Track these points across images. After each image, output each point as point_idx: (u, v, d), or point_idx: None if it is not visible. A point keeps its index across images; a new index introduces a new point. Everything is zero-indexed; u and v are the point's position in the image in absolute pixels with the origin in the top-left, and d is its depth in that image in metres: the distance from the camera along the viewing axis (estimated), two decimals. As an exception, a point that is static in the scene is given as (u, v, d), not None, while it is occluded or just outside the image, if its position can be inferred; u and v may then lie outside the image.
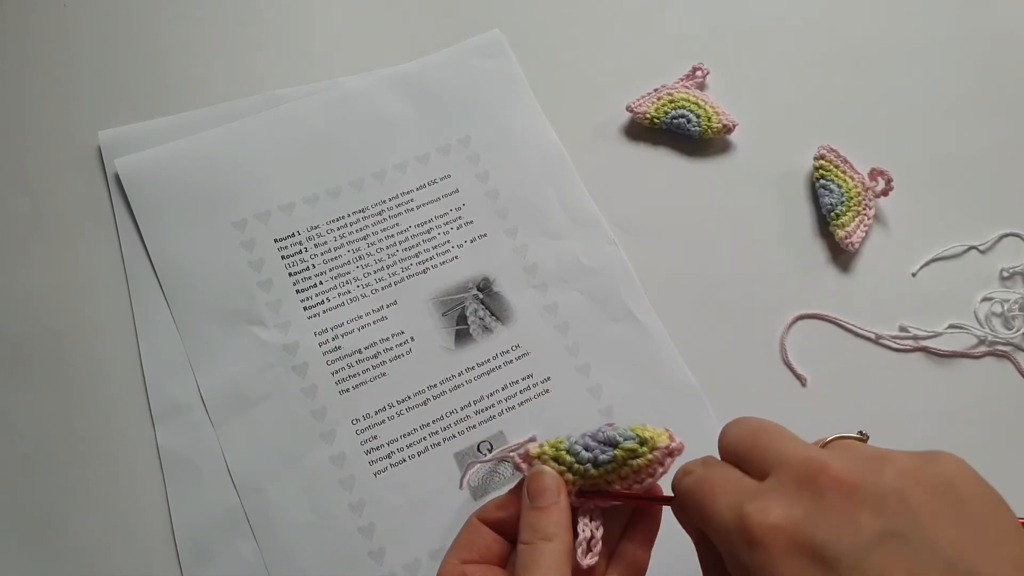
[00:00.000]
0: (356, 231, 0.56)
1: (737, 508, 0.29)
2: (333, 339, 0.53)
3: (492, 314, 0.54)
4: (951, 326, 0.54)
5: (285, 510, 0.48)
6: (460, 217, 0.57)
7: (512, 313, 0.54)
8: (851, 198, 0.56)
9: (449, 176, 0.58)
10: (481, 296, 0.54)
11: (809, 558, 0.26)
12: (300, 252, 0.55)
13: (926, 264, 0.56)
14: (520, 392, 0.52)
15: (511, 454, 0.38)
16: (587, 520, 0.36)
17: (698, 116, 0.59)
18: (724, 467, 0.32)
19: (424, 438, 0.50)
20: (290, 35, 0.63)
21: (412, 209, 0.57)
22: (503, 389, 0.52)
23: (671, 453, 0.35)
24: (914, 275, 0.56)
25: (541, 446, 0.37)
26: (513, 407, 0.51)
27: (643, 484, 0.35)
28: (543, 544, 0.33)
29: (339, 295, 0.54)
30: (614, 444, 0.36)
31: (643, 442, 0.35)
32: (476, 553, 0.36)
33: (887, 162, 0.57)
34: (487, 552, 0.36)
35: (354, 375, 0.52)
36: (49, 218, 0.56)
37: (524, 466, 0.37)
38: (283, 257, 0.55)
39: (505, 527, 0.37)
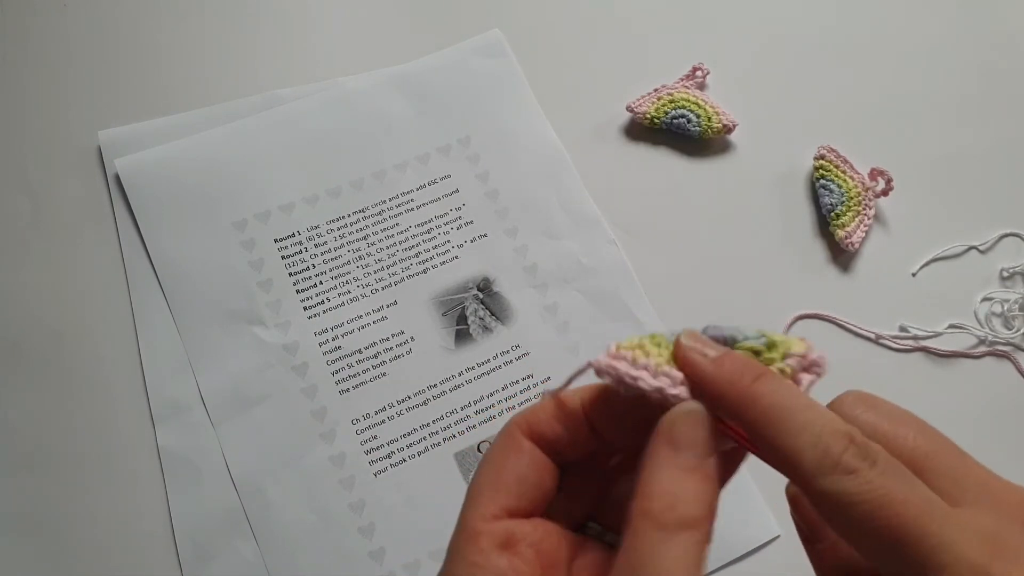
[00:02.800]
0: (356, 231, 0.56)
1: (977, 566, 0.20)
2: (333, 339, 0.53)
3: (492, 314, 0.54)
4: (951, 326, 0.54)
5: (285, 510, 0.48)
6: (460, 217, 0.57)
7: (512, 313, 0.54)
8: (851, 198, 0.56)
9: (449, 176, 0.58)
10: (481, 296, 0.54)
11: None
12: (300, 252, 0.55)
13: (926, 264, 0.56)
14: (520, 392, 0.52)
15: (588, 366, 0.25)
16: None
17: (698, 116, 0.59)
18: (908, 480, 0.22)
19: (424, 438, 0.50)
20: (290, 35, 0.63)
21: (412, 209, 0.57)
22: (503, 389, 0.52)
23: (809, 367, 0.25)
24: (914, 275, 0.56)
25: (632, 339, 0.25)
26: (513, 407, 0.51)
27: None
28: (681, 535, 0.22)
29: (339, 295, 0.54)
30: (731, 343, 0.25)
31: (772, 345, 0.25)
32: (524, 494, 0.25)
33: (887, 162, 0.57)
34: (537, 491, 0.25)
35: (354, 375, 0.52)
36: (49, 218, 0.56)
37: (622, 368, 0.24)
38: (283, 257, 0.55)
39: (563, 449, 0.26)
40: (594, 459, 0.27)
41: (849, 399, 0.25)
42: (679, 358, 0.24)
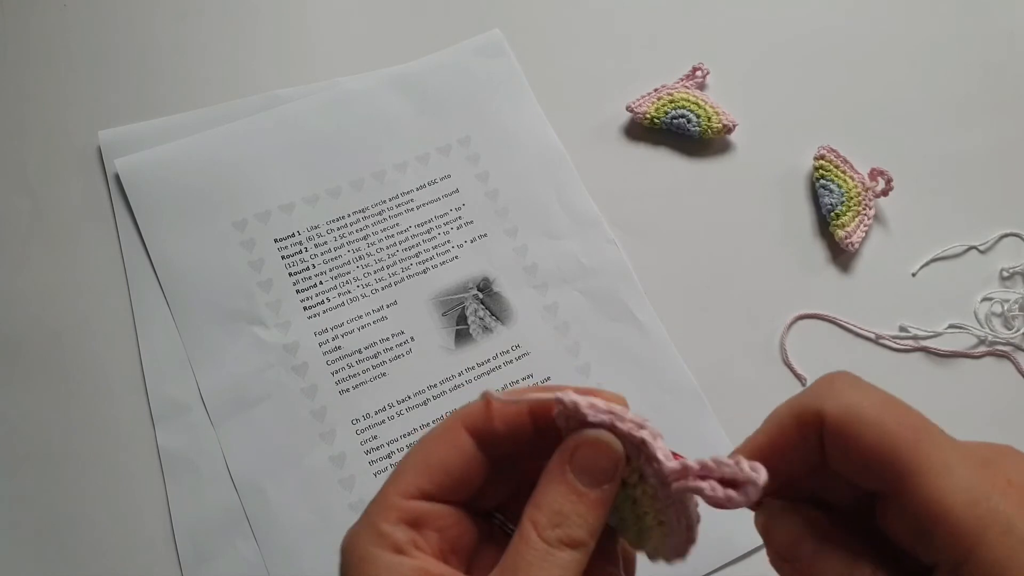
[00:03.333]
0: (356, 231, 0.56)
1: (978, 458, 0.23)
2: (333, 339, 0.53)
3: (492, 314, 0.54)
4: (951, 326, 0.54)
5: (285, 510, 0.48)
6: (460, 217, 0.57)
7: (512, 313, 0.54)
8: (851, 198, 0.56)
9: (449, 176, 0.58)
10: (481, 296, 0.54)
11: None
12: (300, 252, 0.55)
13: (926, 264, 0.56)
14: (520, 392, 0.52)
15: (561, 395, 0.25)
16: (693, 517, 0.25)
17: (698, 116, 0.59)
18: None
19: (424, 438, 0.50)
20: (290, 35, 0.63)
21: (412, 209, 0.57)
22: (503, 389, 0.52)
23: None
24: (914, 275, 0.56)
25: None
26: (513, 407, 0.51)
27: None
28: (561, 554, 0.23)
29: (339, 295, 0.54)
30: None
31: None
32: (444, 484, 0.25)
33: (887, 162, 0.57)
34: (459, 484, 0.26)
35: (354, 375, 0.52)
36: (49, 218, 0.56)
37: (586, 410, 0.24)
38: (283, 257, 0.55)
39: (501, 447, 0.26)
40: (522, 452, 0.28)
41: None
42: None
